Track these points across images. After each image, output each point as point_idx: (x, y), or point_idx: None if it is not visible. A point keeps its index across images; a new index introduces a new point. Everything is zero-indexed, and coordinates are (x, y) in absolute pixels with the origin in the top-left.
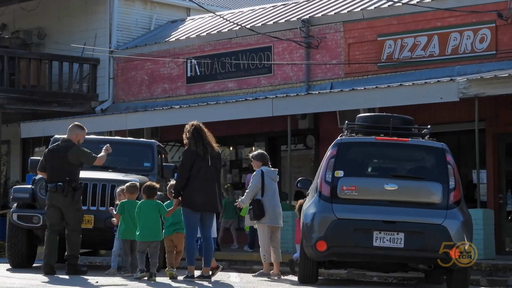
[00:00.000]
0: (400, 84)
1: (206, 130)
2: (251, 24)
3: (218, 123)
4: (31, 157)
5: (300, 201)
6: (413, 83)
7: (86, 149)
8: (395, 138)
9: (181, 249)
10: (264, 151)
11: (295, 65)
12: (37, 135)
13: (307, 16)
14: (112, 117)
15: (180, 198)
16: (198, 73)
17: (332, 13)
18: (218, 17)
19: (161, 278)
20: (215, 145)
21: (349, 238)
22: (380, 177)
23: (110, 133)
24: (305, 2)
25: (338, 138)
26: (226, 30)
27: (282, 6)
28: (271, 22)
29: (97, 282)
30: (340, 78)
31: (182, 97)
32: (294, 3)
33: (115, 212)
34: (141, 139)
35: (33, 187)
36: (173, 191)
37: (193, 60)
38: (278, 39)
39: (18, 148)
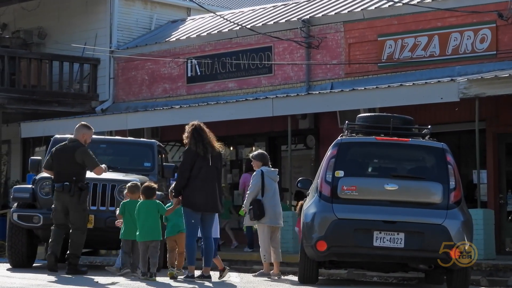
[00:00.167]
0: (401, 84)
1: (207, 130)
2: (251, 24)
3: (219, 123)
4: (32, 157)
5: (301, 202)
6: (413, 83)
7: (92, 154)
8: (396, 138)
9: (184, 250)
10: (264, 151)
11: (295, 65)
12: (37, 135)
13: (308, 16)
14: (113, 117)
15: (180, 197)
16: (199, 73)
17: (333, 13)
18: (219, 17)
19: (161, 278)
20: (216, 144)
21: (349, 238)
22: (381, 177)
23: (110, 133)
24: (306, 2)
25: (339, 138)
26: (226, 30)
27: (283, 6)
28: (272, 22)
29: (97, 282)
30: (341, 78)
31: (183, 97)
32: (295, 3)
33: (117, 213)
34: (141, 139)
35: (33, 186)
36: (173, 191)
37: (193, 60)
38: (278, 39)
39: (18, 148)
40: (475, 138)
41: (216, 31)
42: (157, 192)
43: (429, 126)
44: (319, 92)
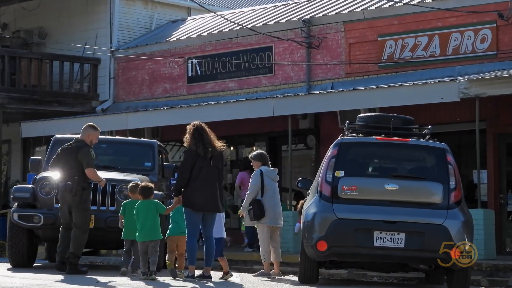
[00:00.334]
0: (401, 84)
1: (208, 130)
2: (252, 24)
3: (219, 123)
4: (32, 157)
5: (301, 201)
6: (413, 83)
7: (92, 155)
8: (396, 138)
9: (183, 251)
10: (263, 151)
11: (296, 65)
12: (37, 134)
13: (308, 16)
14: (113, 117)
15: (180, 197)
16: (199, 73)
17: (333, 13)
18: (219, 17)
19: (162, 278)
20: (218, 144)
21: (350, 238)
22: (381, 177)
23: (110, 133)
24: (306, 2)
25: (339, 138)
26: (227, 30)
27: (283, 6)
28: (272, 22)
29: (97, 282)
30: (341, 78)
31: (183, 97)
32: (295, 3)
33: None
34: (141, 139)
35: (33, 186)
36: (173, 190)
37: (194, 60)
38: (279, 39)
39: (18, 148)
40: (476, 138)
41: (216, 31)
42: (157, 192)
43: (430, 126)
44: (320, 92)
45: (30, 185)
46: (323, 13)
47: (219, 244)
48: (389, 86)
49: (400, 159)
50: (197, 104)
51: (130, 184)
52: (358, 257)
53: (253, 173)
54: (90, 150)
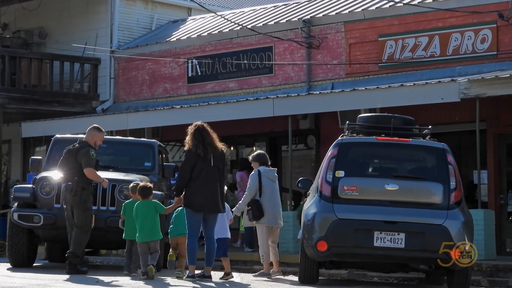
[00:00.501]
0: (401, 85)
1: (210, 130)
2: (252, 24)
3: (219, 123)
4: (32, 157)
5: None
6: (414, 84)
7: (92, 155)
8: (396, 138)
9: (184, 252)
10: (262, 151)
11: (296, 65)
12: (38, 134)
13: (308, 16)
14: (113, 117)
15: (181, 197)
16: (199, 73)
17: (333, 13)
18: (219, 17)
19: (162, 277)
20: (219, 144)
21: (350, 238)
22: (381, 177)
23: (111, 133)
24: (306, 2)
25: (339, 138)
26: (227, 30)
27: (283, 6)
28: (272, 22)
29: (97, 282)
30: (341, 78)
31: (183, 97)
32: (295, 3)
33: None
34: (142, 139)
35: (33, 186)
36: (174, 190)
37: (194, 60)
38: (279, 39)
39: (19, 148)
40: (476, 139)
41: (216, 31)
42: (157, 192)
43: (430, 127)
44: (320, 92)
45: (30, 185)
46: (323, 13)
47: (223, 244)
48: (389, 86)
49: (400, 160)
50: (198, 104)
51: (131, 185)
52: (358, 257)
53: (251, 173)
54: (89, 150)
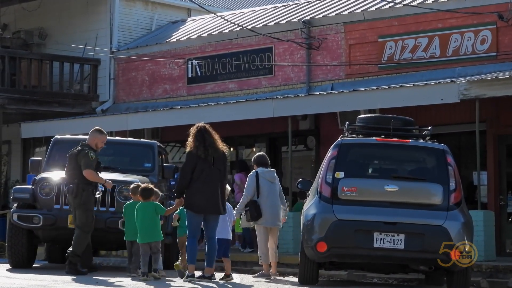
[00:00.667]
0: (401, 86)
1: (212, 131)
2: (252, 25)
3: (219, 124)
4: (32, 158)
5: None
6: (413, 85)
7: (91, 157)
8: (396, 139)
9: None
10: (261, 153)
11: (295, 66)
12: (37, 135)
13: (308, 17)
14: (113, 118)
15: (182, 198)
16: (199, 74)
17: (333, 14)
18: (219, 17)
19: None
20: (220, 146)
21: (350, 239)
22: (381, 178)
23: (110, 134)
24: (306, 3)
25: (339, 139)
26: (227, 31)
27: (283, 7)
28: (272, 23)
29: (97, 282)
30: (341, 79)
31: (183, 98)
32: (295, 4)
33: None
34: (141, 140)
35: (33, 187)
36: (175, 192)
37: (194, 61)
38: (279, 40)
39: (18, 149)
40: (476, 140)
41: (216, 32)
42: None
43: (430, 127)
44: (320, 93)
45: (29, 186)
46: (323, 14)
47: (225, 245)
48: (389, 87)
49: (400, 160)
50: (197, 105)
51: (132, 186)
52: (358, 258)
53: (249, 174)
54: (88, 152)
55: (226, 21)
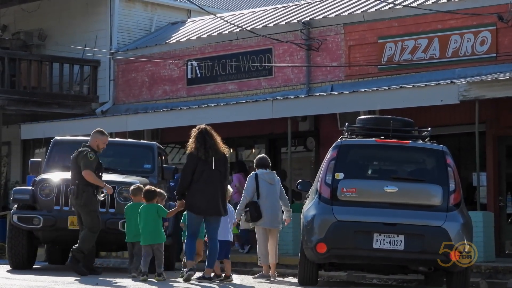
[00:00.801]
0: (401, 87)
1: (214, 133)
2: (251, 26)
3: (219, 125)
4: (32, 159)
5: None
6: (413, 86)
7: (90, 158)
8: (396, 140)
9: (200, 253)
10: (262, 155)
11: (295, 67)
12: (37, 136)
13: (308, 18)
14: (113, 119)
15: (183, 200)
16: (199, 75)
17: (333, 15)
18: (219, 19)
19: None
20: (222, 148)
21: (349, 240)
22: (380, 179)
23: (110, 135)
24: (306, 4)
25: (339, 140)
26: (226, 32)
27: (283, 8)
28: (272, 24)
29: (97, 283)
30: (341, 80)
31: (183, 99)
32: (295, 5)
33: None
34: (141, 141)
35: (33, 188)
36: (176, 193)
37: (193, 62)
38: (278, 41)
39: (18, 150)
40: (475, 141)
41: (216, 33)
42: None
43: (429, 129)
44: (319, 94)
45: (29, 187)
46: (323, 15)
47: (225, 246)
48: (388, 88)
49: (399, 161)
50: (197, 106)
51: (132, 187)
52: (358, 259)
53: (249, 176)
54: (88, 153)
55: (225, 22)
